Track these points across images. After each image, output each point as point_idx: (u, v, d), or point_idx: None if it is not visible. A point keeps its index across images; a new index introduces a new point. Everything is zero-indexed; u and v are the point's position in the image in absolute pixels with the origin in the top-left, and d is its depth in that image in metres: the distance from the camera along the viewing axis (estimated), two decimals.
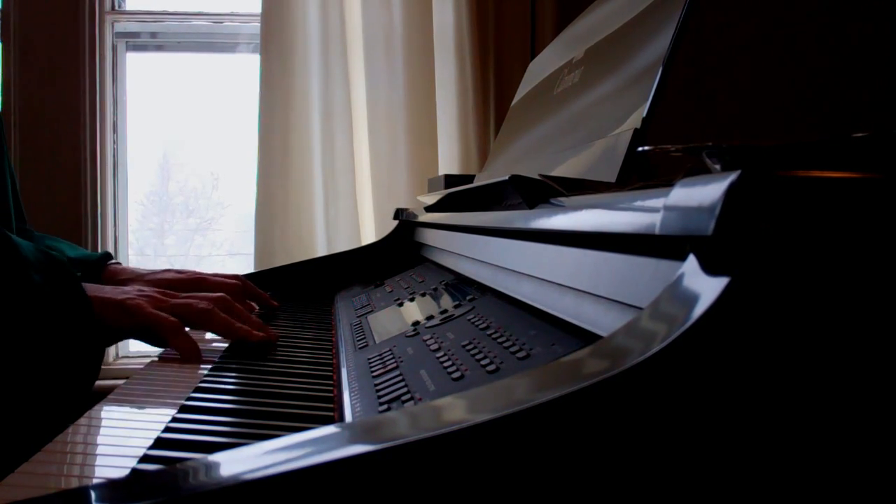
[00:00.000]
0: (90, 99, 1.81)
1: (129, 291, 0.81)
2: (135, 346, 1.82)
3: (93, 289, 0.79)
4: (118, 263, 1.06)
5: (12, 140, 1.75)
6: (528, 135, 1.01)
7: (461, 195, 0.94)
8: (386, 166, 1.74)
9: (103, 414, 0.57)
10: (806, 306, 0.28)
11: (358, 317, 0.89)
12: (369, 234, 1.74)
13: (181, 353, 0.76)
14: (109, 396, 0.62)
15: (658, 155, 0.48)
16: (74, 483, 0.45)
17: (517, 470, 0.27)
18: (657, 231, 0.34)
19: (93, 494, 0.30)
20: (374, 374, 0.59)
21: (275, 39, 1.72)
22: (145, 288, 0.84)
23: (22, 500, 0.28)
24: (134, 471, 0.44)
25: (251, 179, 1.76)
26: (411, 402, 0.48)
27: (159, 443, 0.48)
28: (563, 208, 0.52)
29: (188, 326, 0.80)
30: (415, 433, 0.27)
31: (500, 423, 0.27)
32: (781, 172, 0.29)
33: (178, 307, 0.80)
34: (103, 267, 1.03)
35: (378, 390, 0.54)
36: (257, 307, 1.04)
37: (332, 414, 0.57)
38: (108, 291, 0.80)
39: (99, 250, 1.82)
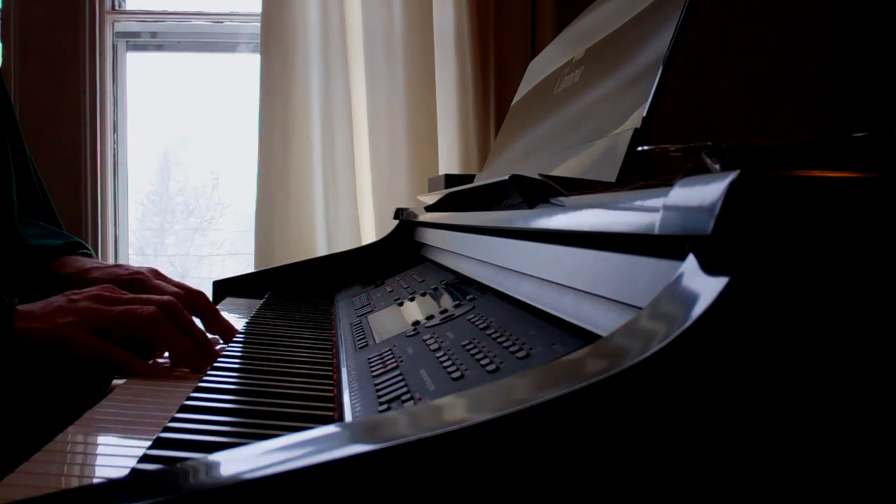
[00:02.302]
0: (90, 99, 1.81)
1: (59, 311, 0.71)
2: None
3: (25, 316, 0.70)
4: (84, 254, 0.96)
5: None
6: (528, 134, 1.01)
7: (461, 195, 0.94)
8: (386, 166, 1.74)
9: (103, 414, 0.57)
10: (805, 306, 0.28)
11: (358, 316, 0.89)
12: (369, 233, 1.74)
13: (145, 374, 0.69)
14: (109, 396, 0.62)
15: (658, 155, 0.48)
16: (74, 483, 0.45)
17: (517, 470, 0.27)
18: (657, 231, 0.34)
19: (93, 494, 0.30)
20: (374, 373, 0.59)
21: (275, 39, 1.72)
22: (77, 298, 0.73)
23: (22, 499, 0.28)
24: (134, 471, 0.44)
25: (251, 179, 1.76)
26: (411, 402, 0.48)
27: (159, 442, 0.48)
28: (563, 208, 0.52)
29: (131, 335, 0.72)
30: (415, 433, 0.27)
31: (500, 423, 0.27)
32: (781, 172, 0.29)
33: (118, 316, 0.71)
34: (55, 258, 0.93)
35: (378, 390, 0.54)
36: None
37: (332, 414, 0.57)
38: (37, 317, 0.70)
39: (99, 249, 1.82)
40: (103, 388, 0.82)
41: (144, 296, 0.76)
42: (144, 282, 0.88)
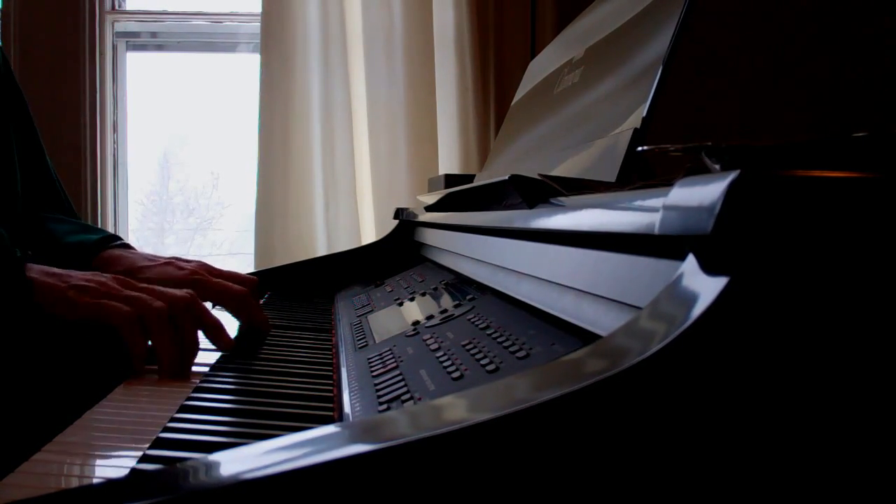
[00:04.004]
0: (90, 99, 1.81)
1: (80, 276, 0.70)
2: None
3: (37, 271, 0.69)
4: (124, 247, 0.93)
5: None
6: (528, 134, 1.01)
7: (461, 195, 0.94)
8: (386, 166, 1.74)
9: (103, 414, 0.57)
10: (805, 306, 0.28)
11: (358, 316, 0.89)
12: (369, 233, 1.74)
13: (132, 356, 0.67)
14: (109, 395, 0.62)
15: (658, 155, 0.48)
16: (74, 483, 0.45)
17: (517, 470, 0.27)
18: (657, 231, 0.34)
19: (93, 494, 0.30)
20: (374, 373, 0.59)
21: (275, 39, 1.72)
22: (104, 275, 0.72)
23: (22, 499, 0.28)
24: (134, 471, 0.44)
25: (251, 179, 1.76)
26: (411, 402, 0.48)
27: (159, 442, 0.48)
28: (563, 208, 0.52)
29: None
30: (415, 433, 0.27)
31: (500, 423, 0.27)
32: (781, 172, 0.29)
33: (130, 299, 0.68)
34: (96, 253, 0.90)
35: (378, 390, 0.54)
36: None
37: (332, 414, 0.57)
38: (55, 276, 0.70)
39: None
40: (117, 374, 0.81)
41: (165, 290, 0.72)
42: (205, 280, 0.83)
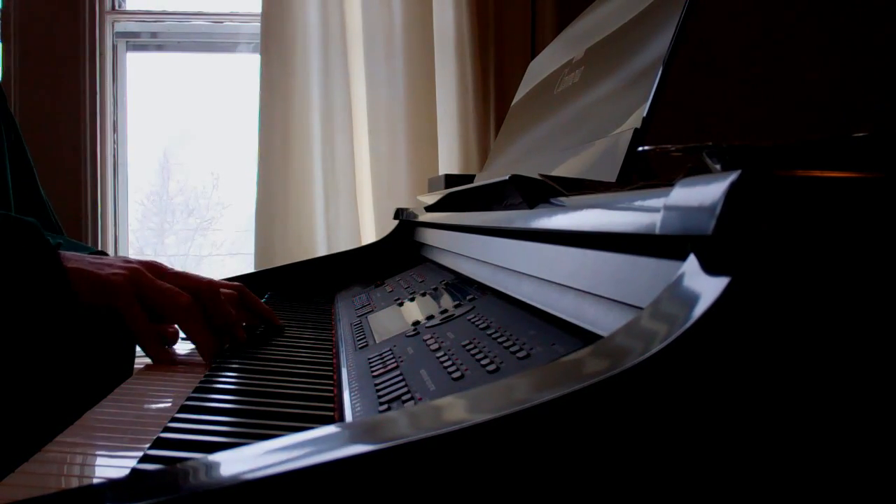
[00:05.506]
0: (90, 99, 1.81)
1: (114, 264, 0.74)
2: None
3: (71, 258, 0.72)
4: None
5: None
6: (528, 135, 1.01)
7: (461, 195, 0.94)
8: (386, 166, 1.74)
9: (103, 414, 0.57)
10: (806, 306, 0.28)
11: (358, 317, 0.89)
12: (369, 234, 1.74)
13: (150, 357, 0.73)
14: (109, 395, 0.62)
15: (658, 155, 0.48)
16: (74, 483, 0.45)
17: (517, 470, 0.27)
18: (657, 231, 0.34)
19: (93, 494, 0.30)
20: (375, 373, 0.59)
21: (275, 39, 1.72)
22: (133, 261, 0.77)
23: (22, 500, 0.28)
24: (134, 471, 0.44)
25: (251, 179, 1.76)
26: (411, 402, 0.48)
27: (159, 442, 0.48)
28: (564, 208, 0.52)
29: (165, 316, 0.75)
30: (415, 433, 0.27)
31: (501, 424, 0.27)
32: (781, 172, 0.29)
33: (163, 292, 0.73)
34: None
35: (378, 390, 0.54)
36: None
37: (332, 414, 0.57)
38: (89, 263, 0.73)
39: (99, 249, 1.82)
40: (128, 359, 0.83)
41: (192, 281, 0.78)
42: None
